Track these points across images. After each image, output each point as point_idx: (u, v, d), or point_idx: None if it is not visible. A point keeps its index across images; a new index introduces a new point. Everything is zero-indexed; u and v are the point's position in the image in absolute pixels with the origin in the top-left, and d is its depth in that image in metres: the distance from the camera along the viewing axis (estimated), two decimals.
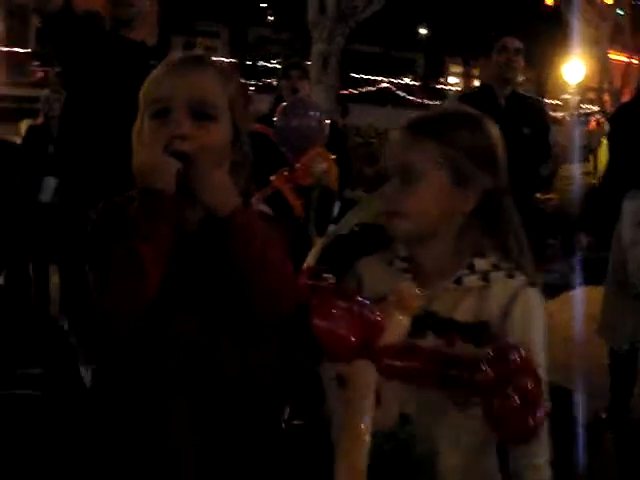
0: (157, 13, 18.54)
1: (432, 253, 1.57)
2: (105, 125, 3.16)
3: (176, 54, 1.54)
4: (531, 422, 1.20)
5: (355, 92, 22.76)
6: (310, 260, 2.73)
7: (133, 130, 1.50)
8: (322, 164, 3.35)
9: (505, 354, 1.23)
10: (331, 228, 2.98)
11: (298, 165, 3.38)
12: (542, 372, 1.37)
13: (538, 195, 5.22)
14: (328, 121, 3.63)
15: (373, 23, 13.42)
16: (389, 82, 26.38)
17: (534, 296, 1.54)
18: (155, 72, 1.51)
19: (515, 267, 1.55)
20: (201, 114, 1.45)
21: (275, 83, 4.67)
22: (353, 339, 1.25)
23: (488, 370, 1.21)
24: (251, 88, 18.95)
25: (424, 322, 1.49)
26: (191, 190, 1.38)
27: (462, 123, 1.60)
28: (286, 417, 1.91)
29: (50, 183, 5.40)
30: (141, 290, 1.37)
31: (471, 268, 1.55)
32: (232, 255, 1.39)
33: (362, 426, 1.21)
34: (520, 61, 4.07)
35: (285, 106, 3.60)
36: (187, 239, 1.47)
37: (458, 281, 1.54)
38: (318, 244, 2.90)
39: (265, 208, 1.58)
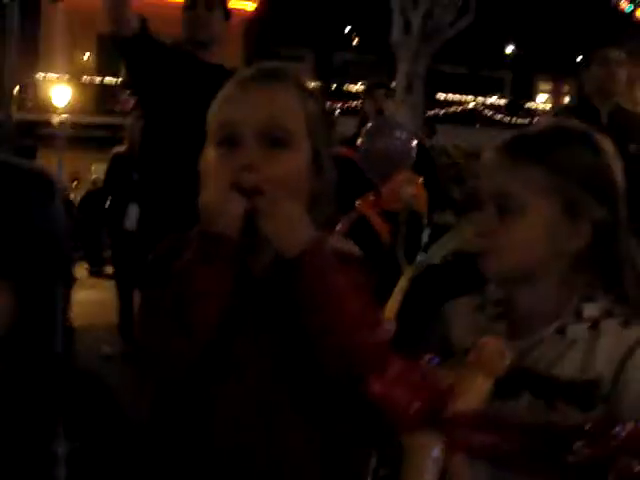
0: (244, 36, 18.78)
1: (532, 297, 1.33)
2: (182, 151, 3.04)
3: (246, 69, 1.34)
4: None
5: (442, 112, 22.49)
6: (399, 293, 2.53)
7: (201, 160, 1.34)
8: (410, 187, 3.15)
9: (606, 428, 1.00)
10: (421, 256, 2.77)
11: (385, 189, 3.19)
12: None
13: None
14: (415, 142, 3.42)
15: (459, 42, 13.18)
16: (476, 102, 25.97)
17: None
18: (222, 91, 1.33)
19: (633, 314, 1.29)
20: (273, 140, 1.26)
21: (360, 106, 4.51)
22: (412, 408, 1.04)
23: (583, 448, 0.98)
24: (336, 112, 18.93)
25: (519, 379, 1.25)
26: (258, 228, 1.21)
27: (570, 142, 1.36)
28: (373, 467, 1.68)
29: (134, 210, 5.37)
30: (186, 345, 1.19)
31: (578, 315, 1.30)
32: (299, 304, 1.20)
33: None
34: (623, 73, 3.80)
35: (370, 128, 3.43)
36: (254, 285, 1.28)
37: (561, 330, 1.29)
38: (407, 274, 2.70)
39: (347, 245, 1.37)
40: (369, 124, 3.54)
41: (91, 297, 8.39)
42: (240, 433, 1.24)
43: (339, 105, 20.44)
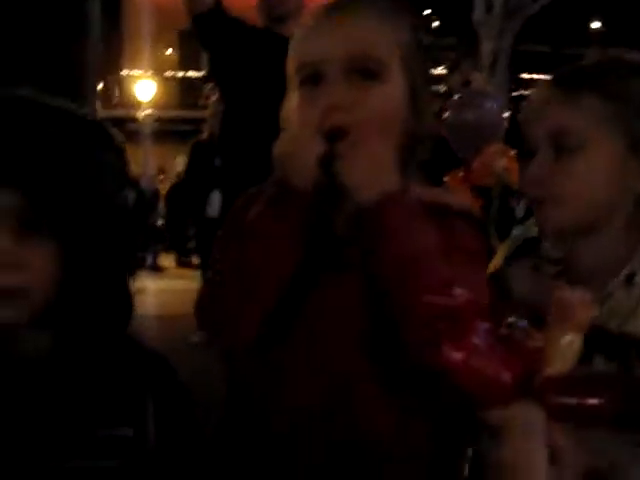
0: None
1: (597, 248, 1.18)
2: (263, 130, 2.94)
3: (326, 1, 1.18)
4: None
5: (526, 93, 21.96)
6: (492, 269, 2.37)
7: (282, 108, 1.20)
8: (502, 161, 2.98)
9: None
10: (517, 230, 2.60)
11: (475, 163, 3.03)
12: None
13: None
14: (507, 113, 3.25)
15: (542, 20, 12.79)
16: None
17: None
18: (301, 27, 1.18)
19: None
20: (363, 72, 1.10)
21: (442, 90, 4.32)
22: (507, 375, 0.88)
23: None
24: None
25: (590, 341, 1.10)
26: (336, 175, 1.04)
27: (629, 71, 1.20)
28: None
29: (216, 197, 5.33)
30: (255, 307, 1.06)
31: None
32: (376, 259, 1.04)
33: None
34: None
35: (458, 99, 3.27)
36: (335, 241, 1.13)
37: (630, 278, 1.14)
38: (502, 250, 2.54)
39: (453, 199, 1.20)
40: (456, 96, 3.37)
41: (178, 286, 8.46)
42: (315, 397, 1.11)
43: None
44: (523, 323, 0.95)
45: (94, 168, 0.99)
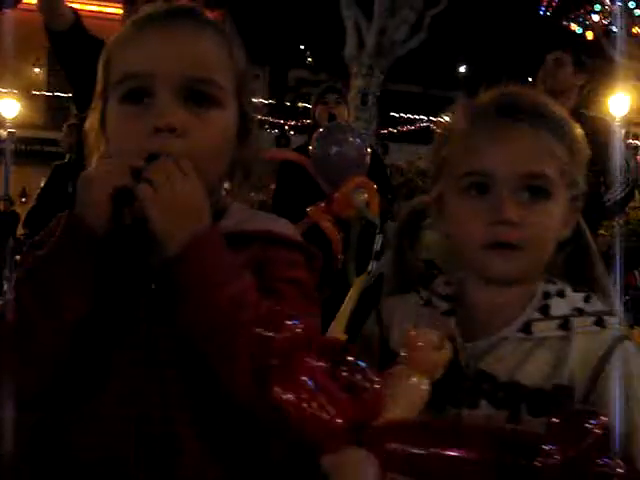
0: None
1: (500, 292, 1.15)
2: None
3: (151, 6, 1.07)
4: None
5: (394, 131, 22.52)
6: (348, 303, 2.37)
7: (87, 122, 1.09)
8: (363, 194, 3.01)
9: (578, 423, 0.85)
10: (373, 265, 2.62)
11: (337, 195, 3.04)
12: None
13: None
14: (369, 149, 3.29)
15: (411, 61, 13.20)
16: (429, 121, 26.09)
17: (635, 353, 1.10)
18: (122, 33, 1.06)
19: (605, 312, 1.14)
20: (199, 95, 1.01)
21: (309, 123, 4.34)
22: (338, 418, 0.83)
23: (553, 449, 0.82)
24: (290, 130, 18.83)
25: (476, 386, 1.07)
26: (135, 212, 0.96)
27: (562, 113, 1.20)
28: None
29: None
30: (24, 369, 0.93)
31: (544, 311, 1.13)
32: (181, 319, 0.95)
33: None
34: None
35: (322, 132, 3.28)
36: (150, 279, 1.03)
37: (526, 329, 1.12)
38: (357, 284, 2.54)
39: (283, 229, 1.11)
40: (320, 129, 3.39)
41: None
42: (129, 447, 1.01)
43: (292, 123, 20.36)
44: (362, 364, 0.90)
45: None
